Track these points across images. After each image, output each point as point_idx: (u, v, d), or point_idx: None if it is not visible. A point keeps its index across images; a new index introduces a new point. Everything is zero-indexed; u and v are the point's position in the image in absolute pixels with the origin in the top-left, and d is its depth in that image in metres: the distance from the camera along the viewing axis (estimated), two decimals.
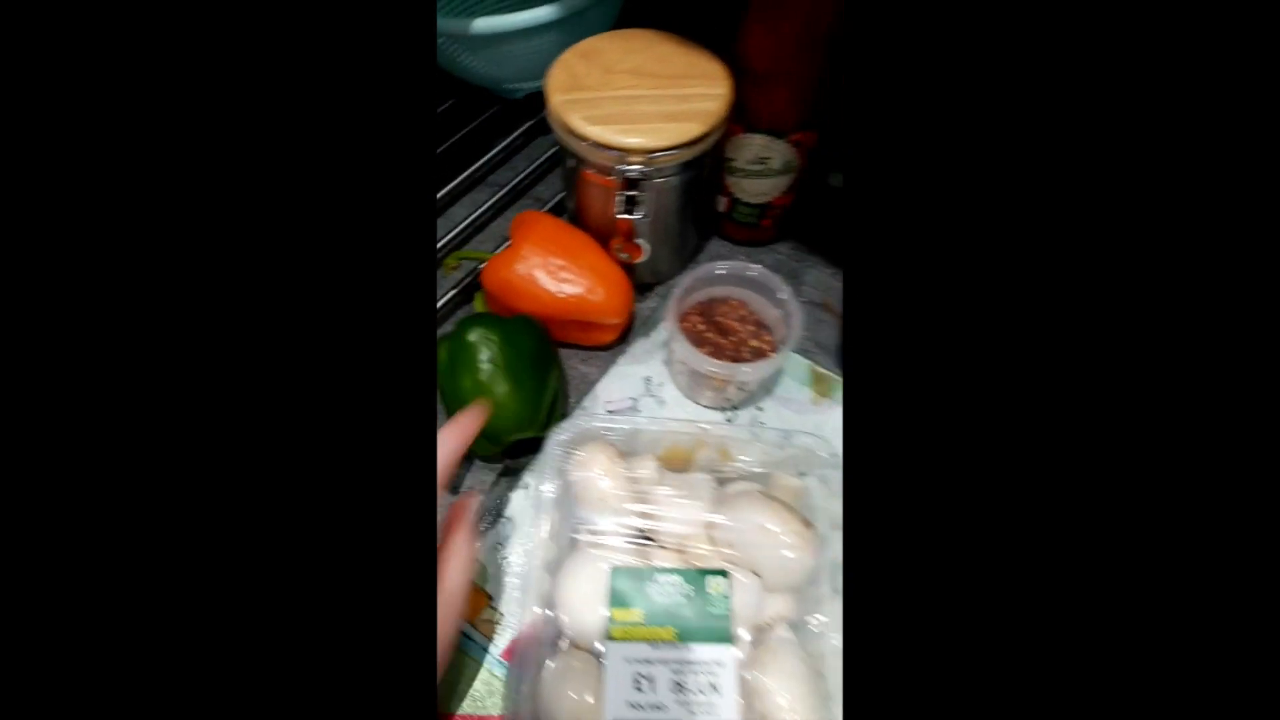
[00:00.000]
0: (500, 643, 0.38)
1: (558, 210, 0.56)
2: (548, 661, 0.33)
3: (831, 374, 0.49)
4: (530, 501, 0.43)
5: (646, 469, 0.38)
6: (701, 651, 0.32)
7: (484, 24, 0.50)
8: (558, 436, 0.38)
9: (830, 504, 0.38)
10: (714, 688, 0.32)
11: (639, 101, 0.42)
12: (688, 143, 0.41)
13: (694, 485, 0.38)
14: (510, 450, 0.44)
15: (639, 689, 0.32)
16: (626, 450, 0.39)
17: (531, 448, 0.44)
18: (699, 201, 0.48)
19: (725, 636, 0.33)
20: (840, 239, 0.55)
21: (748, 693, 0.32)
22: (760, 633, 0.34)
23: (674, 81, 0.42)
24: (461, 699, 0.36)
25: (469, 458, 0.45)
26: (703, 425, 0.39)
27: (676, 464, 0.40)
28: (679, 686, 0.32)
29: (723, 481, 0.39)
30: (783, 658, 0.32)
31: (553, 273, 0.45)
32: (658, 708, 0.31)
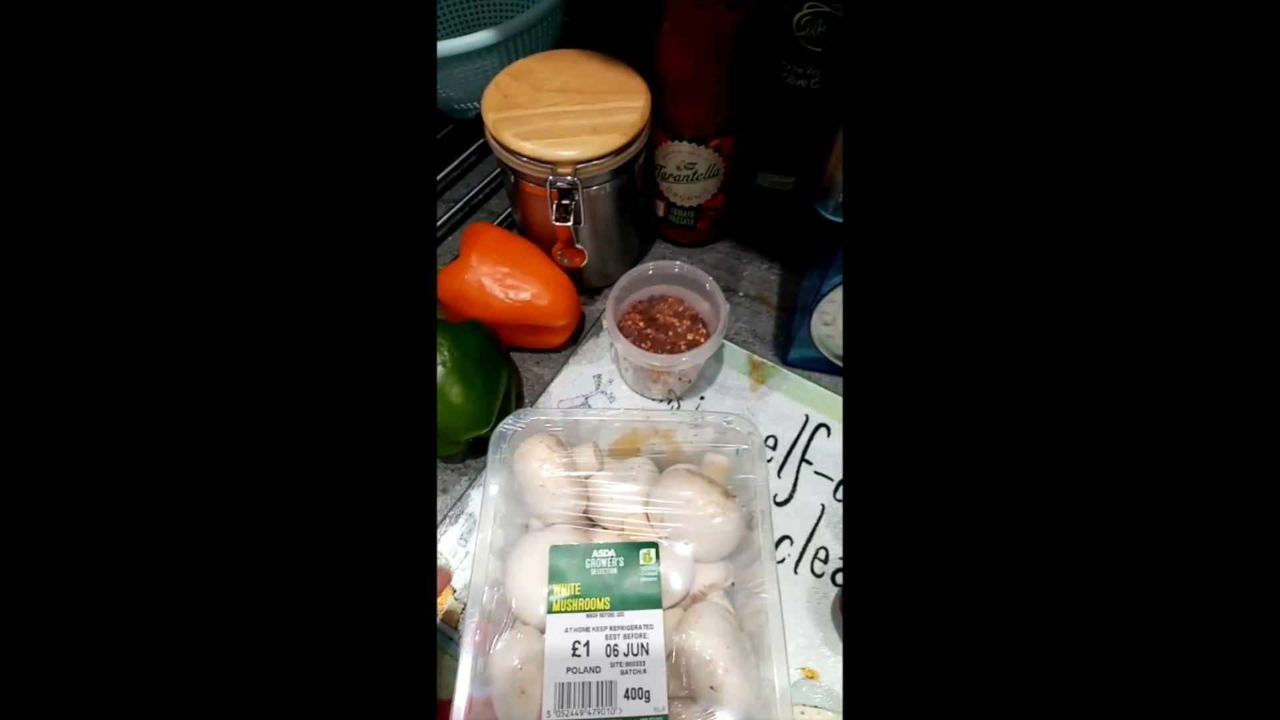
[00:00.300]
0: (465, 631, 0.41)
1: (509, 223, 0.59)
2: (497, 638, 0.36)
3: (769, 362, 0.52)
4: (483, 543, 0.45)
5: (586, 456, 0.41)
6: (633, 617, 0.35)
7: None
8: (502, 431, 0.41)
9: (758, 480, 0.41)
10: (644, 648, 0.35)
11: (566, 117, 0.45)
12: (612, 152, 0.44)
13: (633, 469, 0.41)
14: (470, 449, 0.47)
15: (575, 654, 0.35)
16: (568, 440, 0.42)
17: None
18: (634, 207, 0.52)
19: (655, 602, 0.36)
20: (774, 236, 0.58)
21: (675, 651, 0.35)
22: (694, 600, 0.37)
23: (598, 97, 0.46)
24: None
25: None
26: (639, 412, 0.42)
27: (625, 454, 0.43)
28: (613, 650, 0.35)
29: (661, 465, 0.42)
30: (707, 618, 0.35)
31: (500, 280, 0.48)
32: (593, 670, 0.34)
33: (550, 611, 0.36)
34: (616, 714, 0.33)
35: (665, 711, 0.33)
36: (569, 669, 0.34)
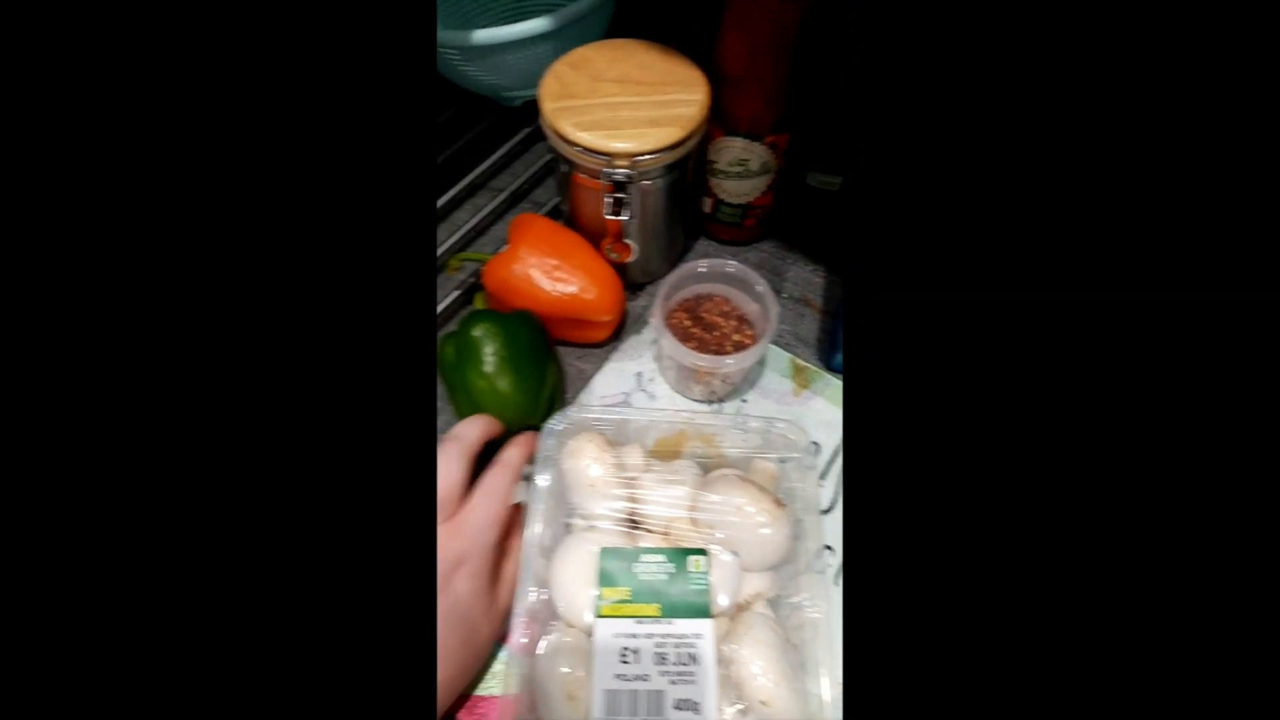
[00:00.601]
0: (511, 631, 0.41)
1: (554, 214, 0.58)
2: (542, 640, 0.36)
3: (812, 366, 0.51)
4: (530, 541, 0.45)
5: (634, 457, 0.40)
6: (682, 625, 0.35)
7: (484, 35, 0.53)
8: (551, 428, 0.41)
9: (807, 489, 0.40)
10: (694, 658, 0.34)
11: (624, 108, 0.44)
12: (669, 146, 0.43)
13: (678, 471, 0.40)
14: None
15: (625, 661, 0.34)
16: (616, 440, 0.41)
17: None
18: (684, 203, 0.51)
19: (705, 611, 0.35)
20: (820, 236, 0.57)
21: (724, 662, 0.34)
22: (739, 609, 0.37)
23: (656, 88, 0.45)
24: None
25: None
26: (684, 414, 0.42)
27: (666, 456, 0.43)
28: (661, 658, 0.34)
29: (706, 469, 0.41)
30: (756, 630, 0.34)
31: (548, 272, 0.47)
32: (642, 678, 0.33)
33: (599, 615, 0.35)
34: None
35: None
36: (617, 675, 0.34)
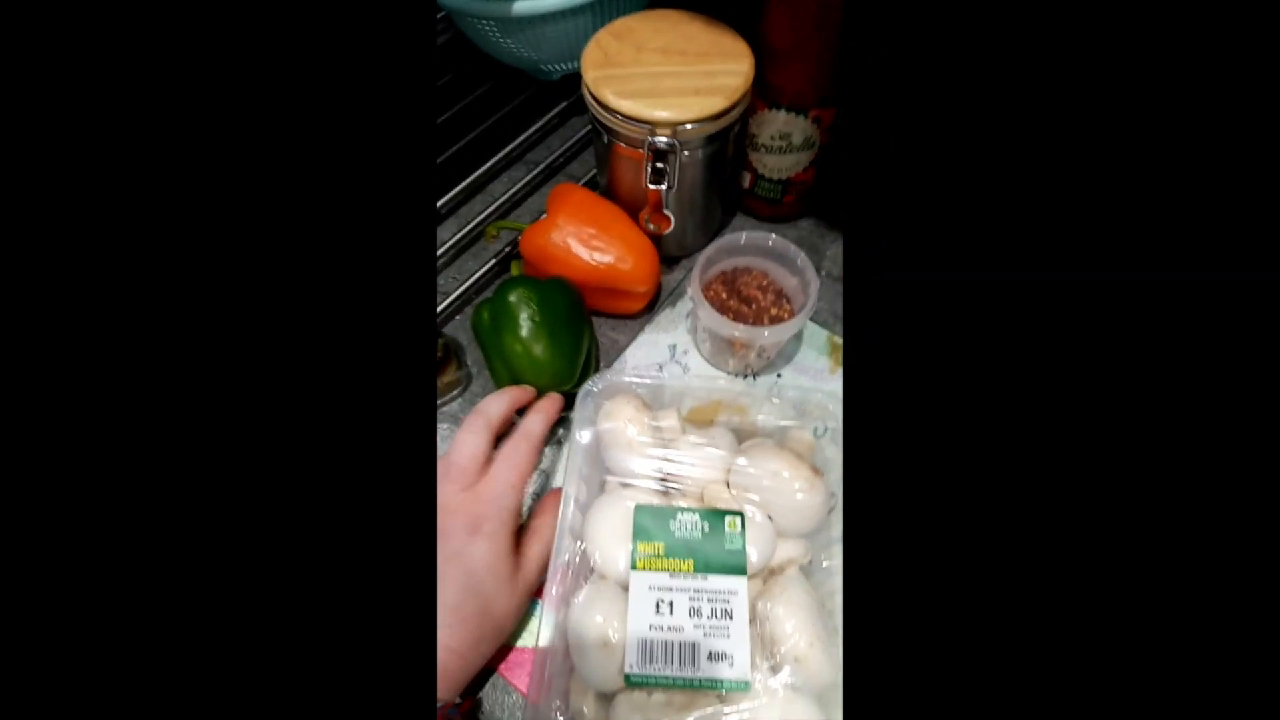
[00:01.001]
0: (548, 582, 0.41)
1: (590, 186, 0.58)
2: (580, 590, 0.36)
3: None
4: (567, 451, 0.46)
5: (669, 420, 0.40)
6: (717, 581, 0.35)
7: (524, 6, 0.53)
8: (589, 389, 0.41)
9: (841, 468, 0.40)
10: (727, 613, 0.34)
11: (667, 78, 0.44)
12: (712, 116, 0.43)
13: (714, 437, 0.40)
14: None
15: (659, 612, 0.34)
16: (652, 404, 0.42)
17: (571, 403, 0.47)
18: (723, 176, 0.51)
19: (740, 569, 0.35)
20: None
21: (758, 619, 0.34)
22: (772, 572, 0.37)
23: (700, 59, 0.45)
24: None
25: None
26: (721, 381, 0.42)
27: (701, 423, 0.43)
28: (696, 611, 0.34)
29: (741, 437, 0.42)
30: (791, 590, 0.35)
31: (585, 241, 0.48)
32: (676, 629, 0.34)
33: (634, 568, 0.36)
34: (699, 675, 0.33)
35: (748, 678, 0.33)
36: (652, 625, 0.34)
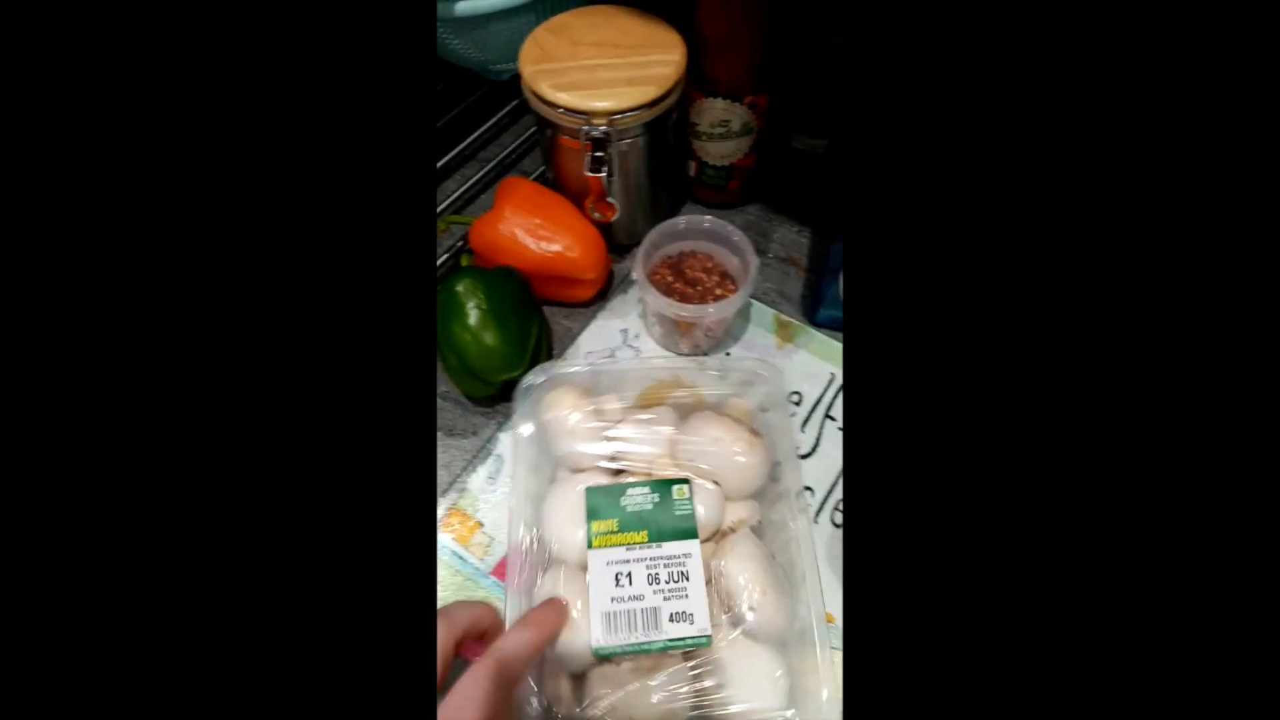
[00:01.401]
0: (491, 561, 0.42)
1: (541, 182, 0.59)
2: (539, 578, 0.38)
3: (795, 321, 0.52)
4: (518, 490, 0.47)
5: (611, 404, 0.42)
6: (671, 547, 0.37)
7: (466, 6, 0.54)
8: (530, 382, 0.42)
9: (788, 433, 0.42)
10: (684, 575, 0.36)
11: (602, 70, 0.45)
12: (646, 104, 0.45)
13: (658, 415, 0.42)
14: (501, 392, 0.48)
15: (619, 584, 0.36)
16: (593, 390, 0.43)
17: None
18: (666, 163, 0.52)
19: (691, 533, 0.37)
20: (805, 198, 0.58)
21: (713, 577, 0.36)
22: (722, 534, 0.38)
23: (634, 50, 0.46)
24: None
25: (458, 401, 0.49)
26: (659, 361, 0.43)
27: (650, 405, 0.44)
28: (654, 578, 0.36)
29: (683, 412, 0.43)
30: (741, 546, 0.37)
31: (532, 231, 0.49)
32: (637, 598, 0.36)
33: (590, 547, 0.37)
34: (663, 637, 0.35)
35: (709, 632, 0.35)
36: (613, 598, 0.36)
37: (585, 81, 0.45)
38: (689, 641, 0.35)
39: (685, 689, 0.34)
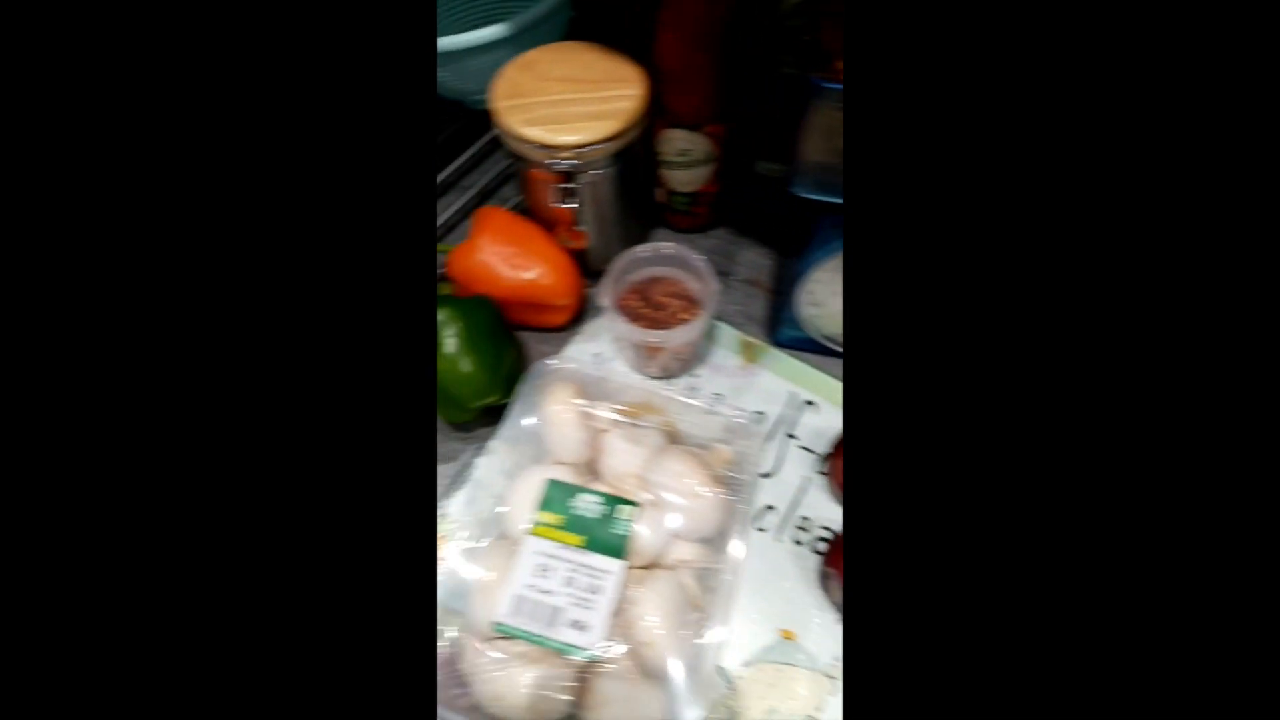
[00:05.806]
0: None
1: (519, 209, 0.62)
2: (483, 538, 0.41)
3: (758, 341, 0.54)
4: (494, 465, 0.49)
5: (605, 412, 0.45)
6: (597, 560, 0.39)
7: (446, 41, 0.56)
8: (536, 372, 0.46)
9: (751, 453, 0.44)
10: (596, 589, 0.38)
11: (568, 104, 0.48)
12: (609, 138, 0.47)
13: (644, 436, 0.44)
14: (478, 418, 0.50)
15: (538, 575, 0.39)
16: (592, 394, 0.46)
17: (496, 417, 0.50)
18: (635, 192, 0.54)
19: (619, 553, 0.40)
20: (768, 222, 0.60)
21: (626, 603, 0.38)
22: (659, 565, 0.41)
23: (597, 85, 0.49)
24: None
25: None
26: (646, 386, 0.46)
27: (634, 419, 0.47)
28: (570, 581, 0.39)
29: (671, 439, 0.45)
30: (662, 584, 0.39)
31: (507, 260, 0.51)
32: (547, 592, 0.38)
33: (530, 533, 0.40)
34: (556, 637, 0.37)
35: (596, 649, 0.37)
36: (528, 585, 0.38)
37: (553, 116, 0.47)
38: (575, 650, 0.37)
39: (554, 693, 0.36)
